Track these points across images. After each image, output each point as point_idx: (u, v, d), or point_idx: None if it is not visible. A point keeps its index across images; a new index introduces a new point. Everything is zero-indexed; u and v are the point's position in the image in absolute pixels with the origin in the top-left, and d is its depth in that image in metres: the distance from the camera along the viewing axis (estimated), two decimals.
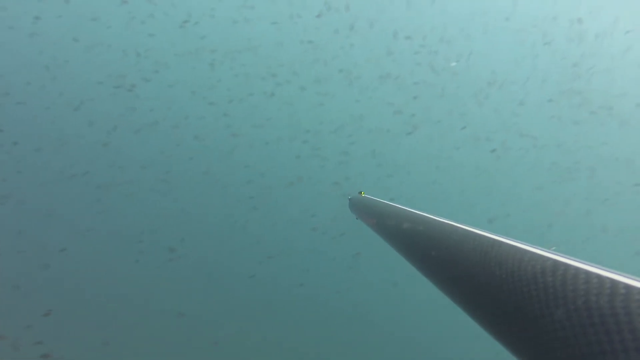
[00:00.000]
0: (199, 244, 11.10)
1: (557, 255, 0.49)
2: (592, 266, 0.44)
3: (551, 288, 0.44)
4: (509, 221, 11.84)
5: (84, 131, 10.43)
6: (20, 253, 9.83)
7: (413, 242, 0.83)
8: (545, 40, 11.33)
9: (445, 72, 11.41)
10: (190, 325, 10.32)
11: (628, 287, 0.38)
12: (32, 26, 10.31)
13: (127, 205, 10.69)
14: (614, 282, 0.39)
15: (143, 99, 10.67)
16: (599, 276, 0.41)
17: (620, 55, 11.24)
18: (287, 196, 11.74)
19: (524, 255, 0.51)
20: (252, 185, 11.53)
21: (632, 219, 11.96)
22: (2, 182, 9.98)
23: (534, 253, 0.51)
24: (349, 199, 2.07)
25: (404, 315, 12.35)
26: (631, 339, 0.35)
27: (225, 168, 11.22)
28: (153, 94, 10.77)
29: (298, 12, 10.97)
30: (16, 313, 9.18)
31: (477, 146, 11.87)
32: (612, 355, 0.36)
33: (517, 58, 11.36)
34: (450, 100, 11.47)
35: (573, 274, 0.43)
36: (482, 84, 11.60)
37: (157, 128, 10.82)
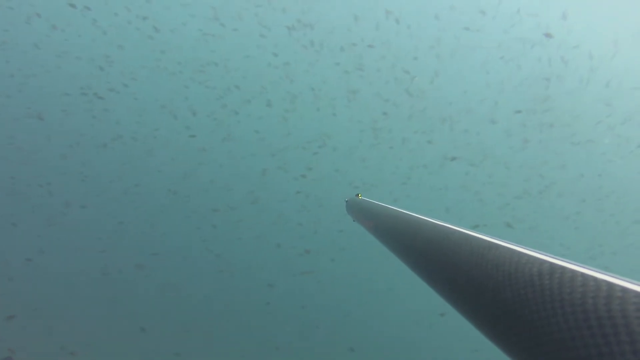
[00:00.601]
0: (166, 258, 10.84)
1: (554, 258, 0.49)
2: (589, 269, 0.44)
3: (548, 291, 0.44)
4: None
5: (47, 143, 10.07)
6: None
7: (410, 244, 0.83)
8: (515, 61, 11.80)
9: (414, 91, 11.69)
10: (151, 339, 10.06)
11: (625, 289, 0.38)
12: None
13: (92, 219, 10.36)
14: (610, 285, 0.40)
15: (110, 111, 10.41)
16: (595, 279, 0.41)
17: (587, 76, 11.78)
18: (253, 211, 11.65)
19: (521, 258, 0.51)
20: (218, 200, 11.38)
21: (580, 238, 12.52)
22: None
23: (531, 256, 0.51)
24: (346, 201, 2.06)
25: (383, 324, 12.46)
26: (628, 342, 0.36)
27: (190, 182, 11.05)
28: (120, 106, 10.53)
29: (267, 30, 10.98)
30: None
31: (445, 165, 12.13)
32: (609, 358, 0.36)
33: (486, 79, 11.77)
34: (418, 119, 11.73)
35: (570, 276, 0.43)
36: (451, 104, 11.92)
37: (123, 141, 10.55)
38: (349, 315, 12.05)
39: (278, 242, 11.64)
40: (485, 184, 12.05)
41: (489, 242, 0.60)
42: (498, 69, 11.76)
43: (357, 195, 2.06)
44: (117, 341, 9.79)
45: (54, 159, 10.18)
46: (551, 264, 0.47)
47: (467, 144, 11.82)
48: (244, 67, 11.04)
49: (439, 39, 11.45)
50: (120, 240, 10.67)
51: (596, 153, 12.01)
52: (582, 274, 0.43)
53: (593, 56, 11.43)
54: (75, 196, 10.41)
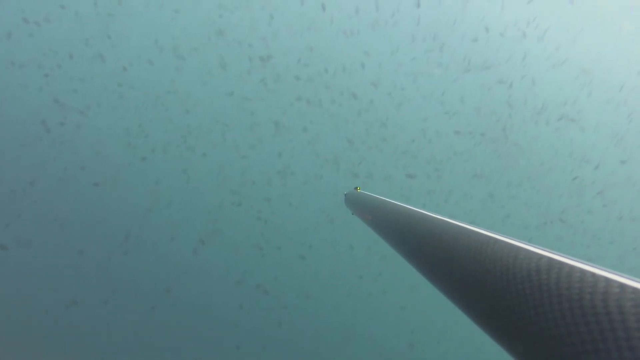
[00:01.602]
0: (124, 296, 11.15)
1: (552, 253, 0.49)
2: (586, 264, 0.44)
3: (545, 286, 0.44)
4: None
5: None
6: None
7: (408, 238, 0.84)
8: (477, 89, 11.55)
9: (375, 123, 11.38)
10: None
11: (622, 285, 0.39)
12: None
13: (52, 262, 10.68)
14: (608, 281, 0.40)
15: (67, 144, 10.46)
16: (593, 274, 0.42)
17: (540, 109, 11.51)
18: (211, 248, 11.75)
19: (519, 253, 0.51)
20: (175, 240, 11.46)
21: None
22: None
23: (529, 251, 0.51)
24: (345, 195, 2.08)
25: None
26: (624, 338, 0.36)
27: (146, 221, 11.14)
28: (77, 139, 10.61)
29: (227, 63, 10.81)
30: None
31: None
32: (606, 354, 0.36)
33: (446, 109, 11.47)
34: (379, 154, 11.53)
35: (567, 272, 0.44)
36: (414, 134, 11.69)
37: (81, 177, 10.62)
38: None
39: (238, 280, 11.96)
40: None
41: (488, 236, 0.60)
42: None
43: (356, 188, 2.06)
44: None
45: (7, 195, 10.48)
46: (549, 259, 0.47)
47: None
48: (202, 100, 10.99)
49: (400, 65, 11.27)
50: (78, 275, 11.04)
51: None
52: (580, 270, 0.43)
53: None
54: (32, 236, 10.76)
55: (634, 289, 0.37)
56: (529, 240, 0.59)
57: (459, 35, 11.15)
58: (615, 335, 0.36)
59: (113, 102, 10.85)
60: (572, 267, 0.44)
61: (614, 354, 0.36)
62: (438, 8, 10.95)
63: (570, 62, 11.19)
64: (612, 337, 0.37)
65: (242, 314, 12.37)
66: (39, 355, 10.33)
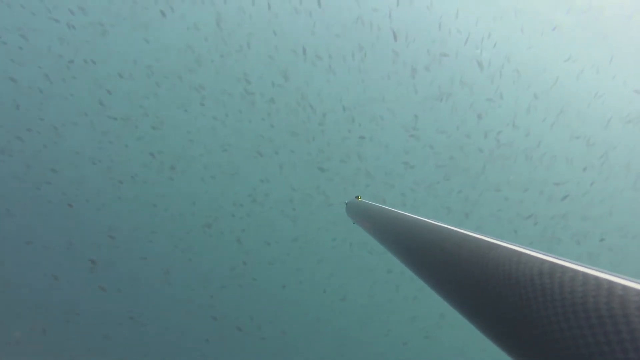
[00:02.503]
0: (87, 325, 11.11)
1: (555, 257, 0.49)
2: (589, 268, 0.44)
3: (549, 290, 0.44)
4: None
5: None
6: None
7: (410, 246, 0.83)
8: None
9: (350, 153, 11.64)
10: None
11: (626, 288, 0.38)
12: None
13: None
14: (611, 284, 0.40)
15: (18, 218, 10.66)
16: (596, 278, 0.41)
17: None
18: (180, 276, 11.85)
19: (521, 258, 0.51)
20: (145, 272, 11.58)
21: None
22: None
23: (531, 255, 0.51)
24: (346, 204, 2.06)
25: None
26: (629, 340, 0.36)
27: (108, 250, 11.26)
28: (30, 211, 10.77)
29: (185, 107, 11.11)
30: None
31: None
32: (611, 356, 0.36)
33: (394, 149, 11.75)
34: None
35: (571, 275, 0.43)
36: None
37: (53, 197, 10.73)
38: None
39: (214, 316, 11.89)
40: None
41: (489, 242, 0.60)
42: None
43: (357, 197, 2.05)
44: None
45: None
46: (552, 263, 0.47)
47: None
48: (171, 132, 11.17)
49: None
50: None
51: None
52: (583, 273, 0.43)
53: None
54: None
55: (638, 291, 0.37)
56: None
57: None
58: (620, 338, 0.36)
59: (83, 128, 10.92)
60: (575, 271, 0.44)
61: (619, 355, 0.36)
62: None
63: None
64: (616, 340, 0.36)
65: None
66: None
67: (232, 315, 12.08)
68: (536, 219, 12.14)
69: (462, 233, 0.69)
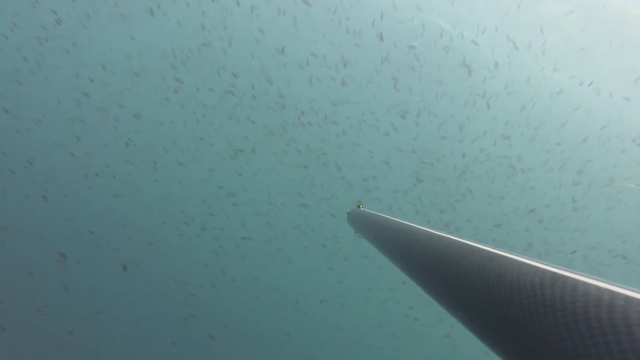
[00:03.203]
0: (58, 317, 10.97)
1: (556, 267, 0.49)
2: (590, 278, 0.44)
3: (550, 300, 0.44)
4: None
5: None
6: None
7: (411, 255, 0.83)
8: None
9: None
10: None
11: (627, 298, 0.39)
12: None
13: None
14: (613, 294, 0.40)
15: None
16: (598, 288, 0.42)
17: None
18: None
19: (523, 268, 0.51)
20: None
21: None
22: None
23: (532, 266, 0.51)
24: (348, 213, 2.04)
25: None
26: (631, 351, 0.36)
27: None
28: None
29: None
30: None
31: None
32: None
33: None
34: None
35: (572, 285, 0.44)
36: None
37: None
38: None
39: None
40: None
41: (491, 252, 0.60)
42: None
43: (359, 206, 2.04)
44: None
45: None
46: (553, 273, 0.47)
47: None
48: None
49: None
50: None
51: None
52: (584, 283, 0.43)
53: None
54: None
55: (639, 302, 0.38)
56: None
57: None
58: (621, 348, 0.36)
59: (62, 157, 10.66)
60: (576, 281, 0.44)
61: None
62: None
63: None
64: (618, 350, 0.36)
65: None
66: None
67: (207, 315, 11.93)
68: (507, 228, 12.47)
69: (465, 243, 0.69)
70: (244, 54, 10.57)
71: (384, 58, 10.59)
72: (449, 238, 0.75)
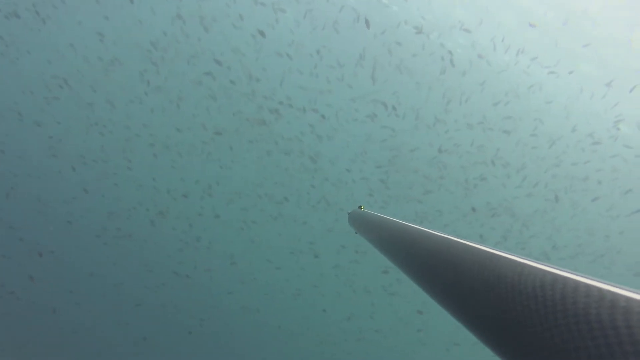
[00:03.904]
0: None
1: (557, 269, 0.49)
2: (591, 279, 0.45)
3: (551, 302, 0.44)
4: None
5: None
6: None
7: (412, 256, 0.82)
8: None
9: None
10: None
11: (629, 299, 0.39)
12: None
13: None
14: (614, 295, 0.40)
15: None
16: (599, 289, 0.42)
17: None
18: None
19: (524, 269, 0.51)
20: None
21: None
22: None
23: (533, 267, 0.51)
24: (349, 214, 2.03)
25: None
26: (632, 352, 0.36)
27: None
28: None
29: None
30: None
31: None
32: None
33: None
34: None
35: (573, 287, 0.44)
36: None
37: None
38: None
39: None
40: None
41: (492, 253, 0.60)
42: None
43: (360, 207, 2.04)
44: None
45: None
46: (554, 274, 0.47)
47: None
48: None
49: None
50: None
51: None
52: (585, 284, 0.43)
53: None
54: None
55: None
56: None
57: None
58: (623, 350, 0.36)
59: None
60: (577, 282, 0.44)
61: None
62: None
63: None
64: (619, 351, 0.36)
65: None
66: None
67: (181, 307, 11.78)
68: (481, 219, 12.80)
69: (465, 244, 0.69)
70: (221, 40, 10.32)
71: (362, 54, 10.58)
72: (449, 239, 0.75)
